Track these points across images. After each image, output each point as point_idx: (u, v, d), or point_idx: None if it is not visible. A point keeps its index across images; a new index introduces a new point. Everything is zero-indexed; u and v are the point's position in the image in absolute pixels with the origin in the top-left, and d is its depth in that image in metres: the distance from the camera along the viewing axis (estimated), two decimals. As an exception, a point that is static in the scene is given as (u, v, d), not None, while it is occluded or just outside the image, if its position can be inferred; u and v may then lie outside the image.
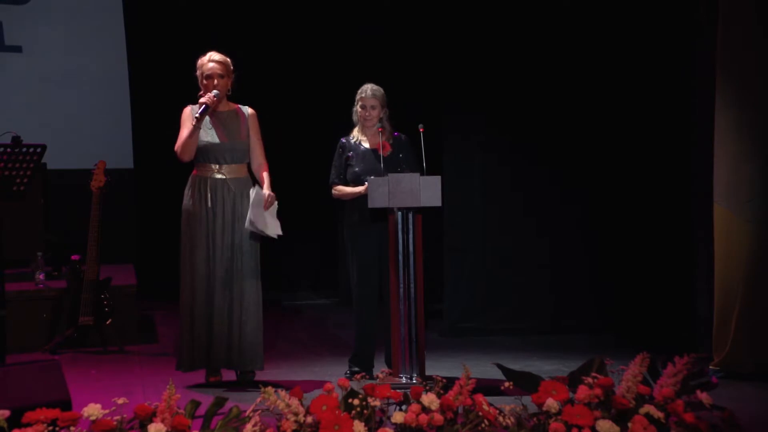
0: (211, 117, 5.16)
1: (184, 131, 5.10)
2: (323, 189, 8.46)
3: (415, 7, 7.68)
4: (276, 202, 5.15)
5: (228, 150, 5.14)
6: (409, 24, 7.85)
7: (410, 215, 4.93)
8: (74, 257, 6.34)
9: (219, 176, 5.14)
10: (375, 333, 5.40)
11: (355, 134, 5.47)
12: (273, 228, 5.15)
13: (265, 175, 5.21)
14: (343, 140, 5.47)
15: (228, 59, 5.20)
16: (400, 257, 4.91)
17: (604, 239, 7.08)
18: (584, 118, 7.04)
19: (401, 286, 4.91)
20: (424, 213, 4.98)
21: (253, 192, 5.11)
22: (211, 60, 5.15)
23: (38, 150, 5.15)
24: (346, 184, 5.40)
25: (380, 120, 5.40)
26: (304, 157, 8.74)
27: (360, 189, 5.24)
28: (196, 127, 5.05)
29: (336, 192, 5.44)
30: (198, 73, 5.19)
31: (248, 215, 5.07)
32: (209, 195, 5.10)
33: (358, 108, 5.42)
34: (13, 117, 7.74)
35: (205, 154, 5.12)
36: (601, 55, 7.02)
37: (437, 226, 6.81)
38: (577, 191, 7.05)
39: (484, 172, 7.04)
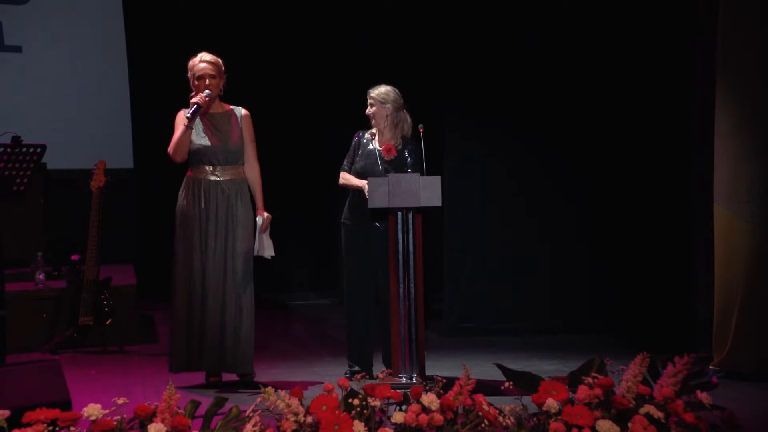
0: (202, 119, 5.14)
1: (177, 133, 5.09)
2: (322, 189, 8.46)
3: (416, 7, 7.67)
4: (269, 225, 5.22)
5: (221, 152, 5.12)
6: (409, 24, 7.85)
7: (410, 215, 4.93)
8: (74, 257, 6.34)
9: (213, 178, 5.12)
10: (372, 331, 5.40)
11: (370, 131, 5.46)
12: (269, 249, 5.20)
13: (258, 188, 5.21)
14: (358, 134, 5.47)
15: (219, 60, 5.18)
16: (400, 257, 4.91)
17: (604, 239, 7.08)
18: (585, 118, 7.04)
19: (401, 286, 4.91)
20: (424, 213, 4.97)
21: (259, 220, 5.15)
22: (202, 60, 5.12)
23: (38, 150, 5.15)
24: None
25: (386, 118, 5.37)
26: (302, 157, 8.75)
27: (362, 183, 5.22)
28: (188, 128, 5.04)
29: (341, 180, 5.43)
30: (189, 74, 5.17)
31: (255, 243, 5.13)
32: (203, 196, 5.09)
33: None
34: (13, 117, 7.73)
35: (198, 156, 5.11)
36: (602, 55, 7.02)
37: (437, 226, 6.81)
38: (577, 191, 7.05)
39: (484, 172, 7.04)
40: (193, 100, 5.08)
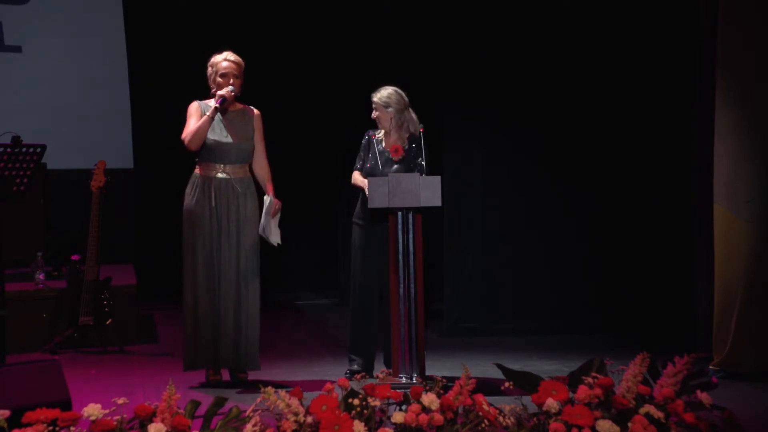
0: (220, 115, 5.18)
1: (193, 122, 5.11)
2: (324, 189, 8.45)
3: (417, 8, 7.68)
4: (279, 212, 5.21)
5: (234, 150, 5.16)
6: (410, 24, 7.85)
7: (410, 215, 4.93)
8: (74, 257, 6.34)
9: (223, 176, 5.14)
10: (374, 331, 5.40)
11: (380, 132, 5.46)
12: (275, 236, 5.21)
13: (269, 181, 5.27)
14: (368, 134, 5.46)
15: (242, 61, 5.23)
16: (400, 257, 4.91)
17: (604, 239, 7.08)
18: (584, 118, 7.04)
19: (401, 286, 4.91)
20: (424, 213, 4.97)
21: (267, 199, 5.18)
22: (226, 59, 5.17)
23: (38, 150, 5.15)
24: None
25: (390, 121, 5.35)
26: (305, 157, 8.74)
27: (365, 183, 5.22)
28: (211, 117, 5.08)
29: (352, 180, 5.43)
30: (211, 70, 5.21)
31: (261, 221, 5.14)
32: (213, 194, 5.11)
33: None
34: (13, 117, 7.73)
35: (210, 152, 5.13)
36: (602, 56, 7.02)
37: (437, 226, 6.81)
38: (577, 191, 7.05)
39: (484, 173, 7.04)
40: (220, 92, 5.12)
